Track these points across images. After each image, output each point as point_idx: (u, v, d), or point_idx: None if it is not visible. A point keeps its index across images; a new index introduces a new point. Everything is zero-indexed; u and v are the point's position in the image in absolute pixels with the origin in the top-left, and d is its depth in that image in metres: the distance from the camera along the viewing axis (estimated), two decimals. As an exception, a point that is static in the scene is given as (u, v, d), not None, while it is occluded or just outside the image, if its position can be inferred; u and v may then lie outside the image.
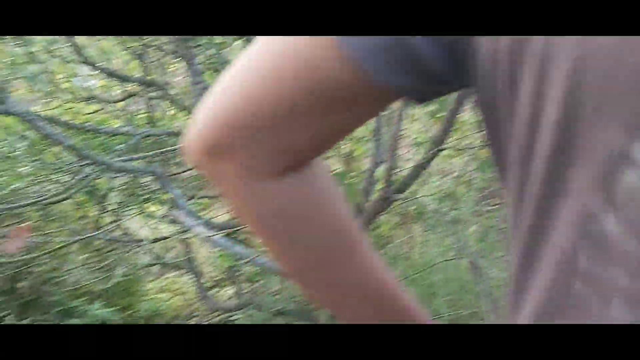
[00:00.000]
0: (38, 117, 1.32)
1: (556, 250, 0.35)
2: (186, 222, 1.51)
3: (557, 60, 0.32)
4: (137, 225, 2.83)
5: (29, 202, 1.69)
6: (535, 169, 0.35)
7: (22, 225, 1.12)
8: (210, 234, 1.45)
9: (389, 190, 1.70)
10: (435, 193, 2.33)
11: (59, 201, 1.79)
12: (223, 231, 1.60)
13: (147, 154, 1.68)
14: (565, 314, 0.35)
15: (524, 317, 0.37)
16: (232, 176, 0.42)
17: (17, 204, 1.75)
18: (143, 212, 2.78)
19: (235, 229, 1.64)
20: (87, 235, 2.18)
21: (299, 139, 0.40)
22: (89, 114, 2.55)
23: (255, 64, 0.39)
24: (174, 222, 1.58)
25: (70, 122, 1.57)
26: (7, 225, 2.14)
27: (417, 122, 2.79)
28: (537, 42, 0.33)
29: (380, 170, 1.94)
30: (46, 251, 2.48)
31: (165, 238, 1.93)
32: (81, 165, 1.75)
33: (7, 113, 1.29)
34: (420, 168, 1.78)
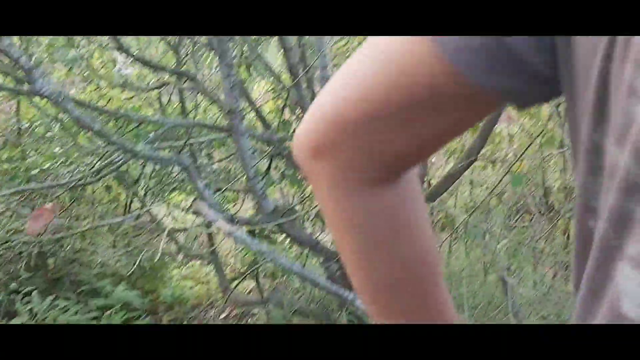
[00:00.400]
0: (67, 99, 1.32)
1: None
2: (209, 214, 1.49)
3: None
4: (164, 212, 2.86)
5: (57, 183, 1.71)
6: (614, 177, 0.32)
7: (47, 205, 1.13)
8: (231, 229, 1.43)
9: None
10: (466, 204, 2.26)
11: (87, 184, 1.81)
12: (245, 226, 1.58)
13: (175, 143, 1.68)
14: None
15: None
16: (329, 177, 0.42)
17: (45, 184, 1.77)
18: (170, 201, 2.81)
19: (258, 225, 1.62)
20: (113, 220, 2.21)
21: (399, 143, 0.40)
22: (123, 100, 2.57)
23: (360, 65, 0.39)
24: (196, 213, 1.57)
25: (102, 107, 1.58)
26: (35, 206, 2.19)
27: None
28: (634, 46, 0.30)
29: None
30: (75, 232, 2.52)
31: (186, 229, 1.93)
32: (110, 151, 1.76)
33: (36, 94, 1.30)
34: (452, 178, 1.72)
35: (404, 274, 0.45)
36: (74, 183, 1.69)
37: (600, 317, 0.34)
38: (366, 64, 0.39)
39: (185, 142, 1.44)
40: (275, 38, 1.79)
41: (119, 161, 1.58)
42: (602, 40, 0.31)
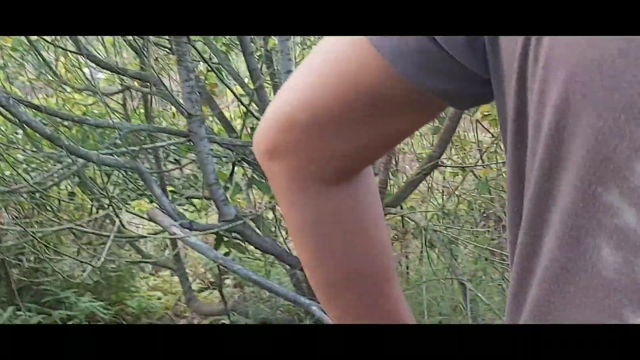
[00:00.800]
0: (16, 104, 1.29)
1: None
2: (163, 221, 1.46)
3: (557, 66, 0.30)
4: (128, 219, 2.80)
5: (9, 188, 1.66)
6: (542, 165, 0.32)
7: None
8: (185, 235, 1.41)
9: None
10: (433, 210, 2.27)
11: (43, 190, 1.76)
12: (201, 233, 1.55)
13: (134, 148, 1.65)
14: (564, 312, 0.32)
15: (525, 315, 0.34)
16: (284, 177, 0.42)
17: (3, 189, 1.72)
18: (136, 207, 2.76)
19: (214, 231, 1.59)
20: (74, 227, 2.16)
21: (350, 143, 0.40)
22: (86, 105, 2.53)
23: (309, 67, 0.40)
24: (152, 220, 1.54)
25: (58, 111, 1.55)
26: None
27: (422, 138, 2.73)
28: (544, 45, 0.30)
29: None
30: (37, 239, 2.46)
31: (143, 236, 1.89)
32: (67, 156, 1.72)
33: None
34: (413, 183, 1.72)
35: (358, 272, 0.45)
36: (32, 188, 1.65)
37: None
38: (315, 66, 0.39)
39: (140, 148, 1.41)
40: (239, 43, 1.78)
41: (73, 166, 1.54)
42: (519, 40, 0.31)
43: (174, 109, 2.84)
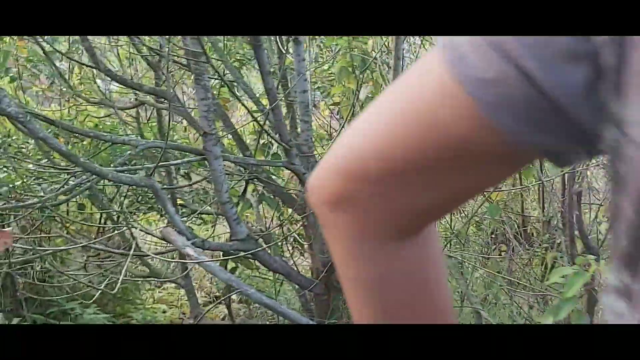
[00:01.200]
0: (33, 120, 1.29)
1: None
2: (177, 241, 1.45)
3: None
4: (137, 234, 2.78)
5: (23, 204, 1.66)
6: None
7: (4, 229, 1.08)
8: (199, 257, 1.39)
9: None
10: (446, 231, 2.24)
11: (56, 204, 1.75)
12: (214, 256, 1.53)
13: (149, 165, 1.64)
14: None
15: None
16: (350, 230, 0.39)
17: (14, 204, 1.72)
18: (145, 220, 2.75)
19: (229, 252, 1.58)
20: (85, 243, 2.15)
21: (422, 199, 0.37)
22: (100, 117, 2.53)
23: (380, 115, 0.37)
24: (165, 239, 1.53)
25: (74, 126, 1.54)
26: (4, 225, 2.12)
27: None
28: None
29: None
30: (46, 252, 2.45)
31: (165, 259, 1.88)
32: (80, 171, 1.72)
33: (2, 114, 1.26)
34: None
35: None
36: (40, 204, 1.64)
37: None
38: (392, 111, 0.36)
39: (156, 165, 1.40)
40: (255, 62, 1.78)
41: (87, 182, 1.53)
42: None
43: (185, 122, 2.84)
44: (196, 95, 1.56)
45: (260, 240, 1.81)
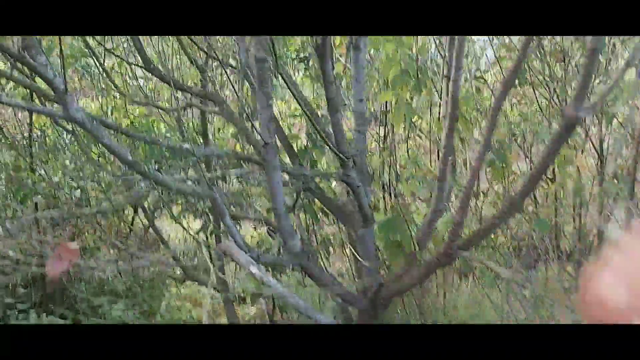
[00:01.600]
0: (99, 126, 1.25)
1: None
2: (240, 259, 1.40)
3: None
4: (169, 232, 2.76)
5: (97, 210, 1.61)
6: None
7: (71, 244, 1.04)
8: (265, 278, 1.35)
9: (454, 246, 1.57)
10: (490, 248, 2.20)
11: (114, 211, 1.71)
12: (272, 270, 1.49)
13: (209, 175, 1.59)
14: None
15: None
16: None
17: (95, 210, 1.67)
18: (177, 220, 2.71)
19: (283, 266, 1.54)
20: (117, 241, 2.11)
21: None
22: (137, 116, 2.49)
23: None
24: (225, 254, 1.48)
25: (132, 133, 1.50)
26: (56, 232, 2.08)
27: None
28: None
29: (444, 222, 1.82)
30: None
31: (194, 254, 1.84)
32: (126, 171, 1.69)
33: (70, 120, 1.22)
34: (489, 229, 1.65)
35: None
36: (99, 210, 1.61)
37: None
38: None
39: (217, 176, 1.36)
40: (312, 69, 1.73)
41: (142, 189, 1.50)
42: None
43: (217, 122, 2.80)
44: (258, 103, 1.51)
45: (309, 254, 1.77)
